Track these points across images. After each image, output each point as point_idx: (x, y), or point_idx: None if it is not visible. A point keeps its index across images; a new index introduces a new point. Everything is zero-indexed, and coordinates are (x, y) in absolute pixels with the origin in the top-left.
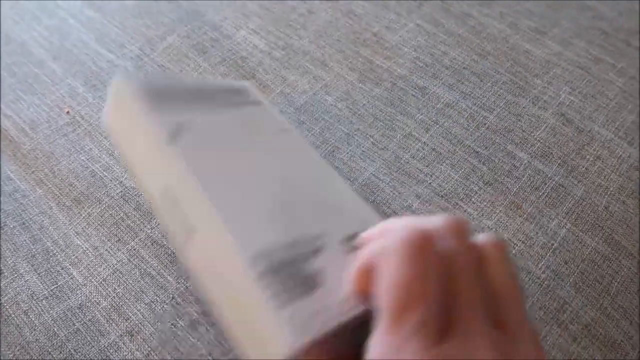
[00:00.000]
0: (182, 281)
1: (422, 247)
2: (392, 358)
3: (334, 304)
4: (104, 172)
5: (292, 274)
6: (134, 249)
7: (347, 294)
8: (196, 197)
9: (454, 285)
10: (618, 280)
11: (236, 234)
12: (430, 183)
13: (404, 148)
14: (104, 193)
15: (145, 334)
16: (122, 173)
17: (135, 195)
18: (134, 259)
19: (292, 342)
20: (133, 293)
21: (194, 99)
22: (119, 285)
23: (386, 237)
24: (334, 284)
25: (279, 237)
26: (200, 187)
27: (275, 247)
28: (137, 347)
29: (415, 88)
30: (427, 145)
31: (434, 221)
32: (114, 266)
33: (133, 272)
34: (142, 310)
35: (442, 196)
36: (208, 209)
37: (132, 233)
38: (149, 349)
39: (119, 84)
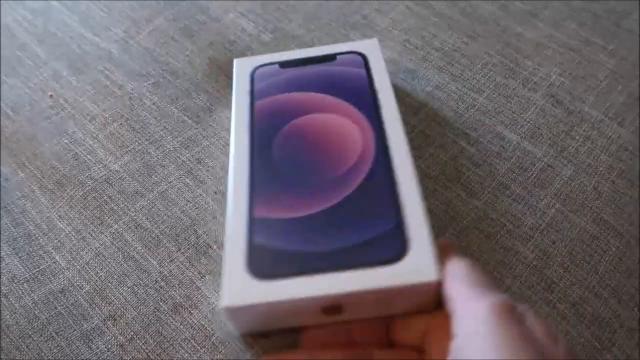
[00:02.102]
0: (166, 265)
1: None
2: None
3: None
4: (88, 156)
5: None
6: (118, 232)
7: None
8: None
9: None
10: (606, 259)
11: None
12: (418, 165)
13: None
14: (87, 176)
15: (128, 317)
16: (106, 156)
17: (120, 178)
18: (117, 242)
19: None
20: (116, 277)
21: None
22: (101, 269)
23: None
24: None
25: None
26: (231, 151)
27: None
28: (120, 331)
29: (405, 71)
30: (416, 128)
31: None
32: (96, 249)
33: (116, 256)
34: (124, 294)
35: (430, 178)
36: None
37: (116, 216)
38: (132, 333)
39: (236, 63)
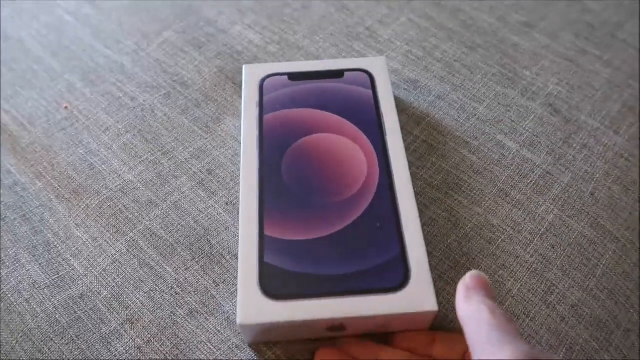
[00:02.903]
0: (181, 272)
1: None
2: None
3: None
4: (102, 166)
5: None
6: (133, 240)
7: None
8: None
9: None
10: (603, 262)
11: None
12: (422, 176)
13: None
14: (103, 185)
15: (145, 321)
16: (120, 167)
17: (134, 188)
18: (132, 250)
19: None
20: (132, 282)
21: (302, 90)
22: (118, 275)
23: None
24: None
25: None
26: (242, 170)
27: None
28: (137, 334)
29: (407, 82)
30: (419, 138)
31: None
32: (113, 256)
33: (132, 262)
34: (141, 299)
35: (433, 187)
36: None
37: (131, 224)
38: (149, 335)
39: (245, 69)
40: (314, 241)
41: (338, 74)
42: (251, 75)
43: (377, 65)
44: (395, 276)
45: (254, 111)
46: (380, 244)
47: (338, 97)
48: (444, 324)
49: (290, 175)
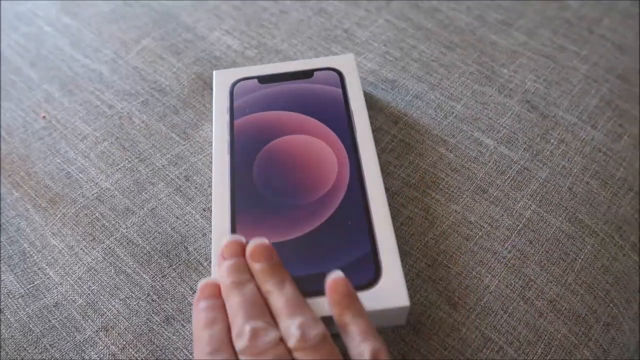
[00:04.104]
0: (158, 280)
1: None
2: None
3: None
4: (80, 174)
5: None
6: (109, 248)
7: None
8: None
9: None
10: (582, 257)
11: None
12: (399, 174)
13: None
14: (79, 194)
15: (120, 328)
16: (97, 174)
17: (111, 196)
18: (109, 257)
19: None
20: (108, 290)
21: (271, 92)
22: (93, 283)
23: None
24: None
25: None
26: (213, 178)
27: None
28: (112, 341)
29: (385, 82)
30: (397, 137)
31: None
32: (88, 264)
33: (108, 270)
34: (116, 306)
35: (410, 186)
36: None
37: (107, 232)
38: (125, 342)
39: (216, 75)
40: (286, 243)
41: (308, 74)
42: (221, 81)
43: (346, 63)
44: (366, 273)
45: (225, 117)
46: (351, 243)
47: (308, 97)
48: (421, 320)
49: (261, 179)
